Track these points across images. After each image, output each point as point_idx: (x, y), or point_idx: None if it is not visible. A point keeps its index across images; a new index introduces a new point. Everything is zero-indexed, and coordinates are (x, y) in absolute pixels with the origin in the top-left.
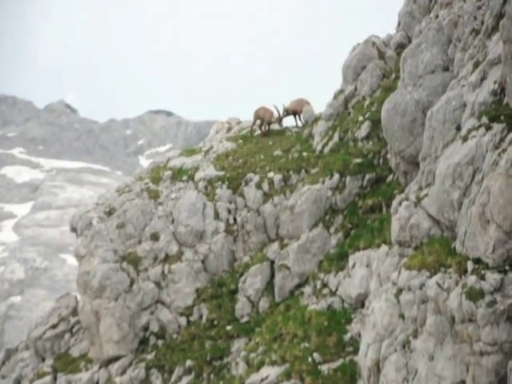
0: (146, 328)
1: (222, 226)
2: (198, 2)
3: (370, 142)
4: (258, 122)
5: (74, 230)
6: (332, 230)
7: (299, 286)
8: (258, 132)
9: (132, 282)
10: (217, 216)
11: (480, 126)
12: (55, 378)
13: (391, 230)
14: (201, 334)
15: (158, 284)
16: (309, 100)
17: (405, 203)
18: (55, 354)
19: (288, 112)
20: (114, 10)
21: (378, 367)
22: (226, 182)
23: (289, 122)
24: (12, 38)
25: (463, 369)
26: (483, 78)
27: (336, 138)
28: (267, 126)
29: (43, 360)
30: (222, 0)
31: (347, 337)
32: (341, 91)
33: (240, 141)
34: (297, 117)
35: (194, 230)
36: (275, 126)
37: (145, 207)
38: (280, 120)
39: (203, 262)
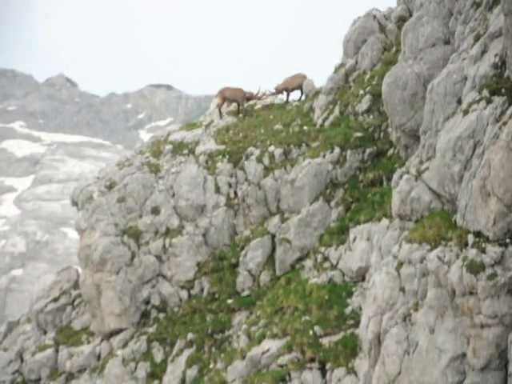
0: (147, 301)
1: (222, 199)
2: None
3: (371, 116)
4: (225, 103)
5: (74, 203)
6: (333, 203)
7: (300, 259)
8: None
9: (133, 256)
10: (217, 190)
11: (481, 99)
12: (57, 351)
13: (392, 204)
14: (202, 308)
15: (159, 257)
16: (305, 74)
17: (405, 177)
18: (57, 326)
19: (279, 91)
20: None
21: (378, 340)
22: (227, 156)
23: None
24: (11, 10)
25: (464, 341)
26: (484, 51)
27: (337, 111)
28: (243, 105)
29: (45, 333)
30: None
31: (348, 310)
32: (341, 65)
33: (240, 115)
34: (293, 93)
35: (195, 204)
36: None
37: (145, 181)
38: (251, 98)
39: (204, 235)
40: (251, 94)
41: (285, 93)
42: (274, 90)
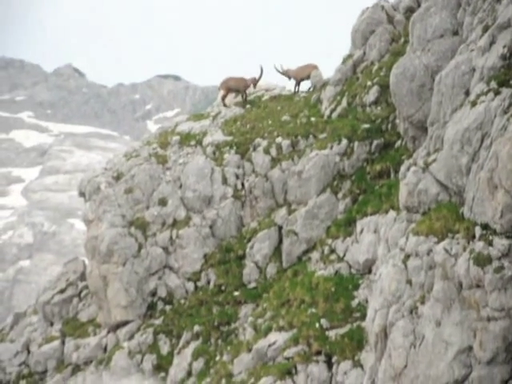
0: (153, 293)
1: (229, 191)
2: None
3: (379, 107)
4: (232, 94)
5: (82, 194)
6: (340, 195)
7: (307, 251)
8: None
9: (140, 247)
10: (225, 181)
11: (489, 91)
12: (63, 343)
13: (399, 196)
14: (208, 300)
15: (165, 249)
16: (316, 64)
17: (413, 168)
18: (63, 318)
19: (288, 75)
20: None
21: (385, 333)
22: (234, 147)
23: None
24: (18, 0)
25: (470, 334)
26: (492, 43)
27: (344, 103)
28: (245, 95)
29: (51, 324)
30: None
31: (354, 302)
32: (349, 56)
33: (248, 106)
34: (300, 83)
35: (202, 195)
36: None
37: (153, 172)
38: (255, 83)
39: (211, 227)
40: (254, 79)
41: (293, 80)
42: (281, 69)
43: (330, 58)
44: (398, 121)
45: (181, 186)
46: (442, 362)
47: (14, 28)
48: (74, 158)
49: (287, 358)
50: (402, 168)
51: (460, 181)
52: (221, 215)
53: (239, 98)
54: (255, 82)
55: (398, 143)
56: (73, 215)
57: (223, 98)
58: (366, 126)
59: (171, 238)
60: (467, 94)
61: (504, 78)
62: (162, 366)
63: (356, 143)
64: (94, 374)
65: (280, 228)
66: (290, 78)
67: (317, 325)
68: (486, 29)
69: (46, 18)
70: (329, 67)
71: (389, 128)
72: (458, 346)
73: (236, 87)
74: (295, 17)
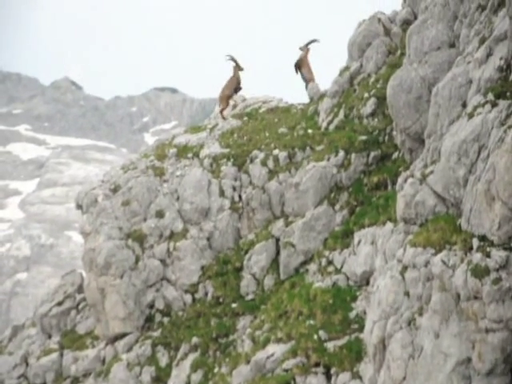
0: (151, 305)
1: (227, 203)
2: None
3: (376, 119)
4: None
5: (79, 207)
6: (337, 207)
7: (304, 263)
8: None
9: (137, 260)
10: (222, 193)
11: (486, 103)
12: (62, 355)
13: (396, 207)
14: (206, 312)
15: (163, 261)
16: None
17: (410, 180)
18: (61, 330)
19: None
20: None
21: (383, 344)
22: (231, 159)
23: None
24: (15, 13)
25: (469, 346)
26: (489, 55)
27: (341, 115)
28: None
29: (50, 337)
30: None
31: (352, 314)
32: (346, 68)
33: (245, 118)
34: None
35: (199, 208)
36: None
37: (150, 184)
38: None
39: (208, 239)
40: (235, 69)
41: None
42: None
43: (329, 66)
44: (395, 132)
45: (178, 199)
46: (441, 373)
47: (11, 41)
48: (72, 171)
49: (286, 370)
50: (399, 180)
51: (457, 192)
52: (218, 227)
53: (236, 111)
54: (237, 69)
55: (395, 155)
56: (70, 228)
57: (222, 110)
58: (363, 137)
59: (168, 250)
60: (464, 105)
61: (501, 90)
62: (161, 378)
63: (353, 155)
64: None
65: (277, 240)
66: (299, 68)
67: (315, 336)
68: (482, 41)
69: (43, 31)
70: (327, 78)
71: (386, 140)
72: (457, 358)
73: (233, 90)
74: (295, 17)
